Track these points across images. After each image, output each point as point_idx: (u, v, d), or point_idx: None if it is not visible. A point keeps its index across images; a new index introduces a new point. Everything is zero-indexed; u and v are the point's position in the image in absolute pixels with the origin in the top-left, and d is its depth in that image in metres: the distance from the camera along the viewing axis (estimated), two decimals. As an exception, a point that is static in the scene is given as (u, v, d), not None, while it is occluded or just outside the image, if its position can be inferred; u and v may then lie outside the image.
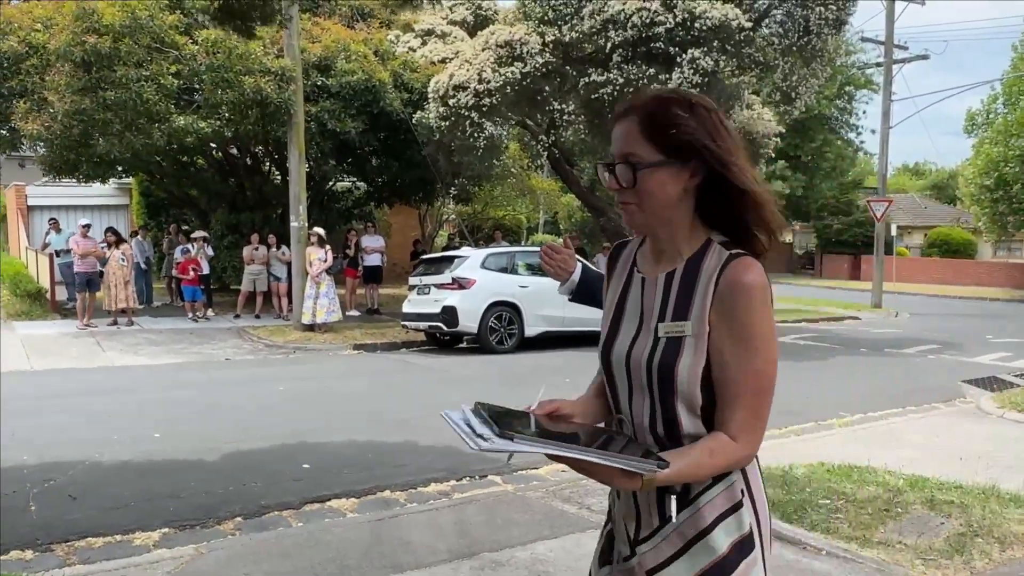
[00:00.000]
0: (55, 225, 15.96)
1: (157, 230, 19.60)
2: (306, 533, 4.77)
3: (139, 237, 16.27)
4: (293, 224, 13.76)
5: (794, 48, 13.87)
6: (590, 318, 12.44)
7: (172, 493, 5.29)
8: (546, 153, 15.04)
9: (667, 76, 12.63)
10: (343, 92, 14.24)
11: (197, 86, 13.25)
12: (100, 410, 7.68)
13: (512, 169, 17.87)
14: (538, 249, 13.81)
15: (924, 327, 17.88)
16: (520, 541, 4.62)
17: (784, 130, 17.37)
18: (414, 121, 14.59)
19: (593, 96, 13.22)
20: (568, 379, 10.06)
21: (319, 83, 14.35)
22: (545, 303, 12.61)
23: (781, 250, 48.45)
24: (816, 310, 21.04)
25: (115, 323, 13.66)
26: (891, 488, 5.26)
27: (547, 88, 13.64)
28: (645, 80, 12.61)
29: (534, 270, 13.01)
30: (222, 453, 6.25)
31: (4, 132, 13.58)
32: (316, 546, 4.54)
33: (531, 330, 12.52)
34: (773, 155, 17.22)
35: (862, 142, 47.28)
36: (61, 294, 15.38)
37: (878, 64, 25.42)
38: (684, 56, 12.70)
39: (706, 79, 12.75)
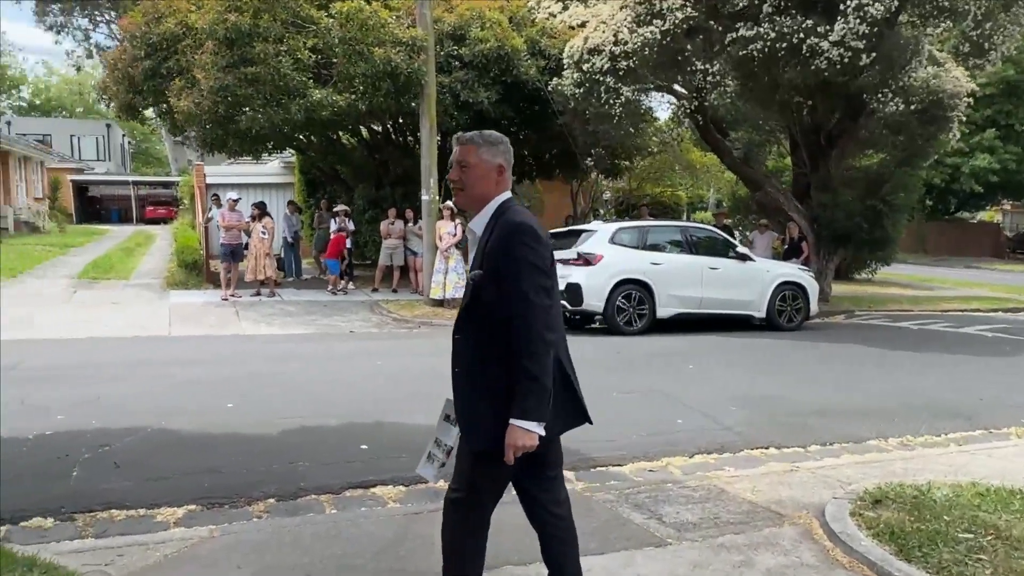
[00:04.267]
0: (216, 200, 16.84)
1: (315, 206, 20.30)
2: (330, 523, 4.32)
3: (288, 212, 16.83)
4: (424, 198, 13.57)
5: (991, -12, 11.75)
6: (732, 299, 11.28)
7: (213, 468, 5.03)
8: (688, 120, 13.81)
9: (827, 28, 11.06)
10: (476, 61, 13.80)
11: (333, 60, 13.32)
12: (193, 378, 7.69)
13: (654, 139, 16.69)
14: (674, 224, 12.70)
15: None
16: (558, 554, 3.90)
17: (977, 88, 14.93)
18: (550, 89, 13.90)
19: (741, 53, 11.88)
20: (692, 365, 9.10)
21: (453, 53, 14.01)
22: (680, 282, 11.59)
23: (986, 232, 43.10)
24: (1018, 299, 18.21)
25: (258, 294, 14.15)
26: (1064, 526, 4.01)
27: (690, 47, 12.45)
28: (800, 34, 11.13)
29: (669, 247, 11.99)
30: (284, 428, 5.96)
31: (162, 110, 14.36)
32: (333, 539, 4.07)
33: (663, 311, 11.52)
34: (964, 117, 14.82)
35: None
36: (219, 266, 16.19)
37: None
38: (849, 3, 11.07)
39: (875, 30, 11.04)
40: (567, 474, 5.24)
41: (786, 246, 15.05)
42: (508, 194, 2.74)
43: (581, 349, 10.14)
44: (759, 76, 12.78)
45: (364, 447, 5.60)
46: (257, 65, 12.58)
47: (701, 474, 5.26)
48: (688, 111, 13.56)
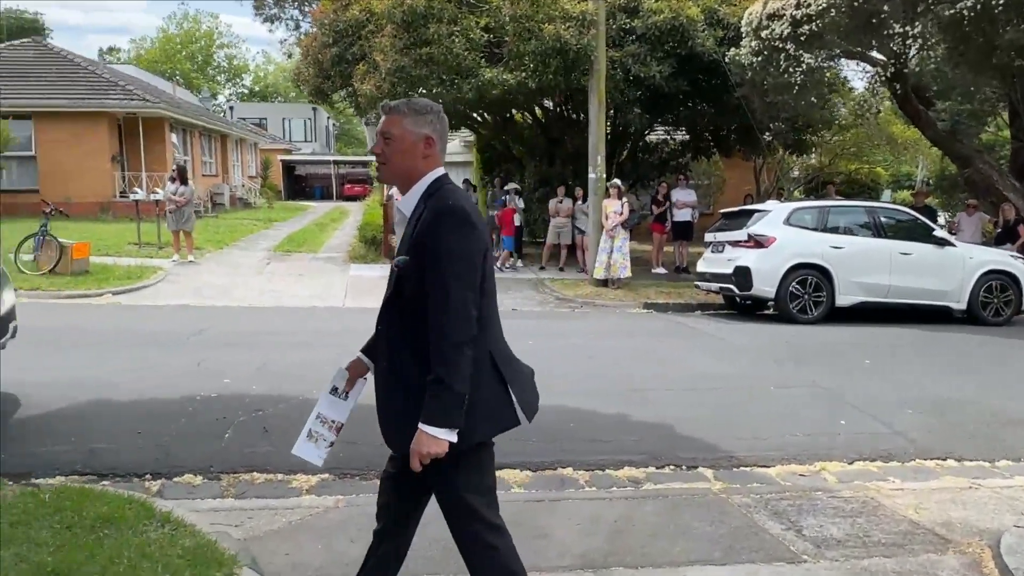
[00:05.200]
0: (396, 179, 17.61)
1: (490, 184, 20.71)
2: (449, 503, 4.31)
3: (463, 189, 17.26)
4: (591, 176, 13.36)
5: None
6: (926, 289, 10.20)
7: (352, 439, 5.09)
8: (885, 89, 12.51)
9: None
10: (649, 34, 13.32)
11: (504, 38, 13.38)
12: (355, 349, 8.02)
13: (842, 111, 15.28)
14: (860, 204, 11.65)
15: None
16: (674, 560, 3.65)
17: None
18: (727, 60, 13.14)
19: (949, 12, 10.56)
20: (869, 359, 8.28)
21: (625, 26, 13.60)
22: (865, 268, 10.61)
23: None
24: None
25: (429, 269, 14.62)
26: None
27: (886, 8, 11.21)
28: (1024, -17, 9.68)
29: (854, 229, 10.99)
30: (425, 403, 6.05)
31: (349, 93, 15.13)
32: (444, 521, 4.04)
33: (844, 299, 10.59)
34: None
35: None
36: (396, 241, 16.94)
37: None
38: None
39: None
40: (705, 472, 4.94)
41: (999, 230, 13.32)
42: (440, 171, 2.46)
43: (745, 336, 9.59)
44: (971, 38, 11.31)
45: (497, 428, 5.55)
46: (431, 46, 12.90)
47: (859, 484, 4.74)
48: (884, 79, 12.28)
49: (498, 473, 4.70)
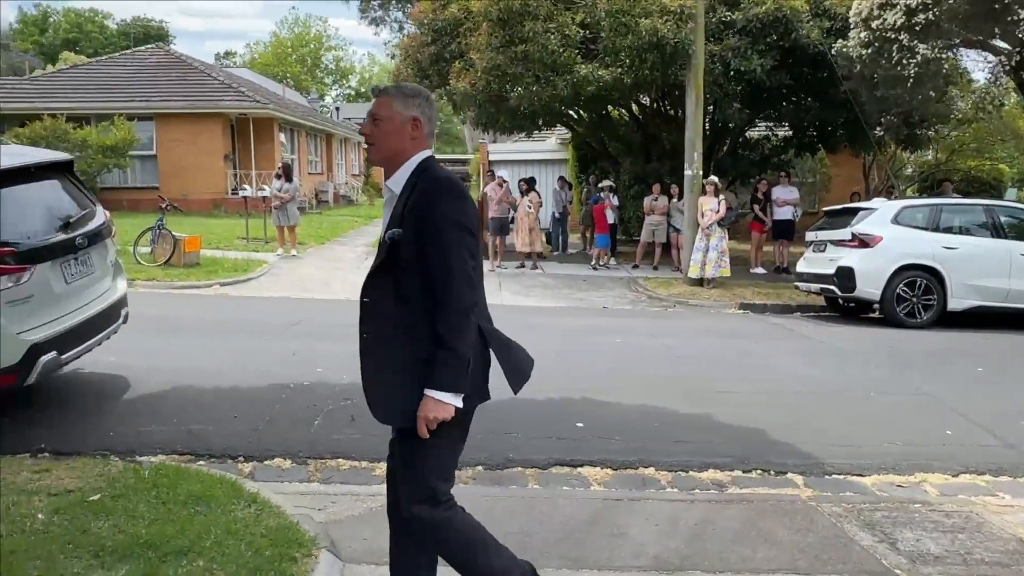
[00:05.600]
0: (491, 176, 17.75)
1: (586, 182, 20.58)
2: (527, 499, 4.32)
3: (557, 187, 17.22)
4: (687, 172, 13.08)
5: None
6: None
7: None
8: (1009, 79, 11.67)
9: None
10: (750, 27, 12.90)
11: (600, 35, 13.26)
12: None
13: (959, 104, 14.31)
14: (977, 203, 11.01)
15: None
16: (755, 568, 3.52)
17: None
18: (833, 52, 12.59)
19: (1083, -5, 9.76)
20: (982, 367, 7.77)
21: (725, 19, 13.23)
22: (981, 270, 9.97)
23: None
24: None
25: (522, 266, 14.68)
26: None
27: (1012, -8, 10.48)
28: None
29: (970, 229, 10.34)
30: (500, 400, 6.06)
31: (447, 91, 15.35)
32: (524, 516, 4.06)
33: (957, 303, 9.97)
34: None
35: None
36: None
37: None
38: None
39: None
40: (795, 478, 4.75)
41: None
42: (428, 152, 2.52)
43: (846, 340, 9.17)
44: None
45: (580, 425, 5.52)
46: (527, 43, 12.93)
47: (963, 498, 4.46)
48: (1008, 68, 11.46)
49: (578, 470, 4.74)
